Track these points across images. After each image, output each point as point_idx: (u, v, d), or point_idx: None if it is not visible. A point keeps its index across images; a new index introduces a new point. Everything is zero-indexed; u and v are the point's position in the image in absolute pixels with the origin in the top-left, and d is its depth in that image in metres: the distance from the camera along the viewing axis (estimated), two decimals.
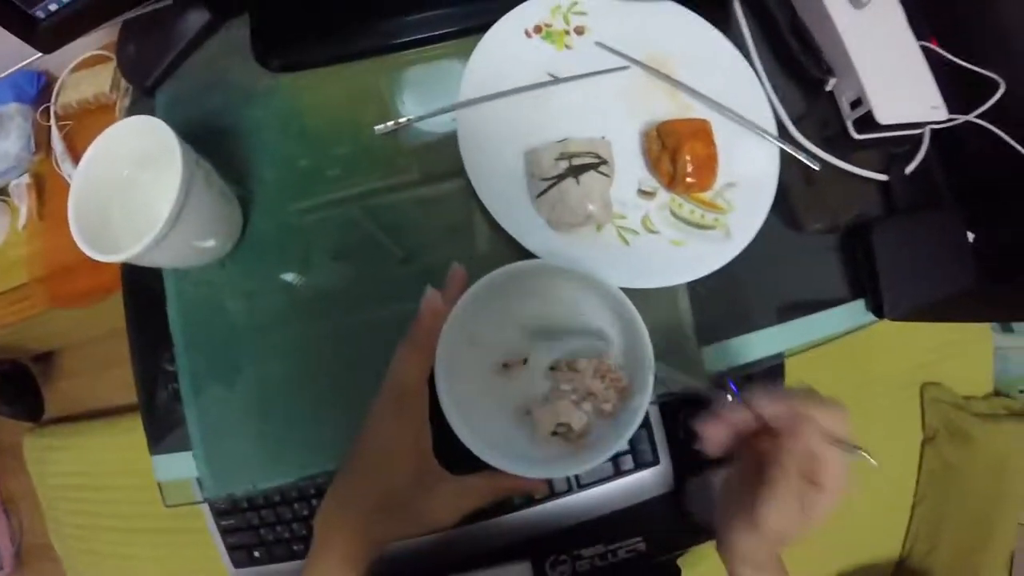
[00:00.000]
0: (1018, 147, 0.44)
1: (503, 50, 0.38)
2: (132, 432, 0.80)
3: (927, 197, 0.49)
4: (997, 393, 0.96)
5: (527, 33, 0.39)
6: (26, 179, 0.61)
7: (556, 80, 0.37)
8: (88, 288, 0.59)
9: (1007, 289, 0.52)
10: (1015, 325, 0.93)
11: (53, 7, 0.35)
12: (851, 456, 0.26)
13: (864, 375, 0.87)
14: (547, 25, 0.39)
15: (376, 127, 0.36)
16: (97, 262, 0.58)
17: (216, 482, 0.39)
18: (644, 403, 0.29)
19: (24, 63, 0.57)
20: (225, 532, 0.44)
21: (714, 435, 0.27)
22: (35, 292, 0.62)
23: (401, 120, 0.36)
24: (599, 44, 0.39)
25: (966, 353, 0.94)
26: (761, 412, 0.26)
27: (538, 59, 0.39)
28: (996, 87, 0.45)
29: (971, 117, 0.45)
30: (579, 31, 0.40)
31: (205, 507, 0.45)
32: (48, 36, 0.36)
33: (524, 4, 0.39)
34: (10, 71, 0.57)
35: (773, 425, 0.26)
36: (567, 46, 0.39)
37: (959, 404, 0.90)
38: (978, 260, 0.47)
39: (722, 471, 0.31)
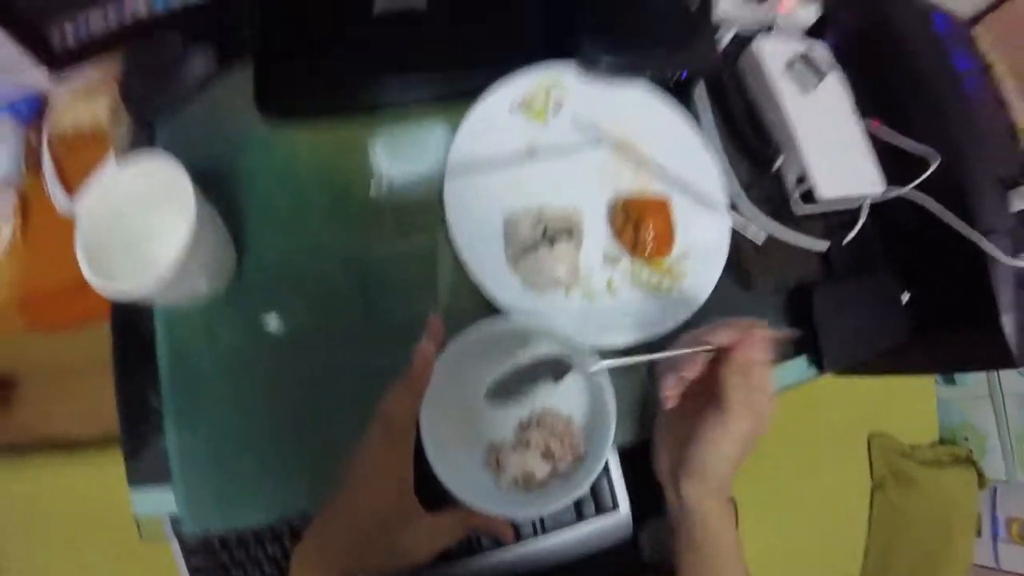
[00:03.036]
0: (949, 215, 0.49)
1: (489, 122, 0.42)
2: (89, 466, 0.76)
3: (865, 261, 0.55)
4: (942, 441, 1.03)
5: (511, 108, 0.44)
6: (14, 198, 0.62)
7: (535, 153, 0.42)
8: (67, 316, 0.59)
9: (938, 343, 0.58)
10: (956, 377, 1.01)
11: (68, 27, 0.36)
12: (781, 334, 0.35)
13: (812, 427, 0.92)
14: (529, 101, 0.44)
15: (372, 185, 0.40)
16: (79, 290, 0.59)
17: (194, 519, 0.39)
18: (596, 469, 0.34)
19: (27, 84, 0.60)
20: (194, 572, 0.43)
21: (673, 391, 0.36)
22: (10, 313, 0.62)
23: (395, 180, 0.40)
24: (575, 121, 0.44)
25: (910, 404, 1.01)
26: (716, 341, 0.34)
27: (520, 132, 0.43)
28: (930, 162, 0.51)
29: (907, 190, 0.51)
30: (557, 108, 0.45)
31: (174, 545, 0.44)
32: (58, 57, 0.37)
33: (510, 79, 0.44)
34: (11, 89, 0.59)
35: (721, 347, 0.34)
36: (546, 121, 0.44)
37: (905, 452, 0.96)
38: (913, 318, 0.53)
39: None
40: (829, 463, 0.93)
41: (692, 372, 0.35)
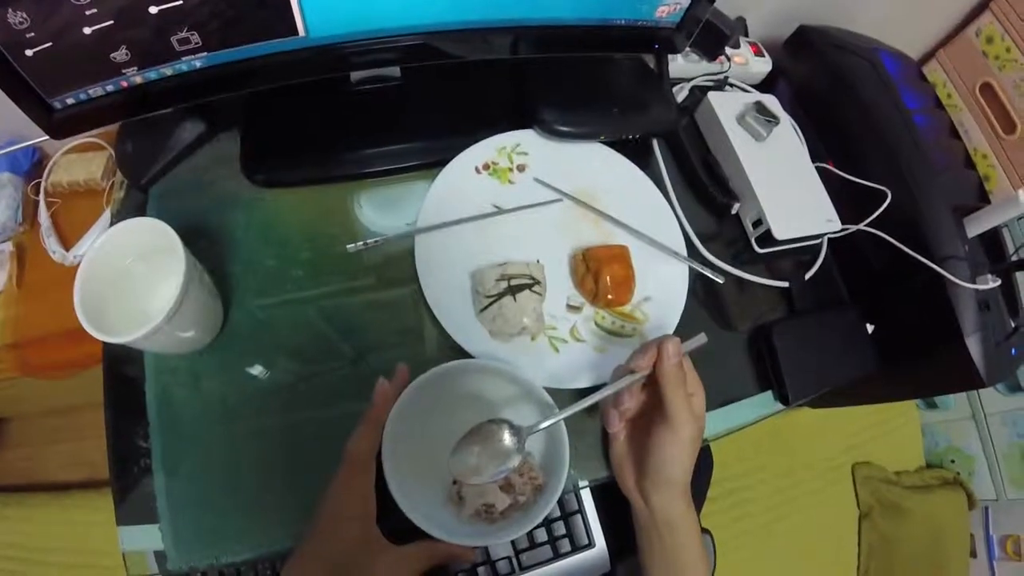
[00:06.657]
0: (902, 248, 0.54)
1: (457, 183, 0.47)
2: (74, 509, 0.81)
3: (828, 297, 0.59)
4: (929, 466, 1.06)
5: (477, 169, 0.49)
6: (9, 247, 0.65)
7: (500, 211, 0.47)
8: (60, 361, 0.62)
9: (908, 370, 0.61)
10: (939, 401, 1.04)
11: (70, 100, 0.39)
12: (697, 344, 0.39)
13: (793, 462, 0.95)
14: (494, 163, 0.49)
15: (348, 245, 0.44)
16: (72, 337, 0.62)
17: (179, 555, 0.42)
18: (554, 498, 0.37)
19: (27, 143, 0.64)
20: None
21: (618, 425, 0.41)
22: (5, 358, 0.65)
23: (370, 241, 0.44)
24: (537, 180, 0.49)
25: (894, 432, 1.05)
26: (640, 367, 0.38)
27: (486, 192, 0.48)
28: (884, 197, 0.55)
29: (862, 226, 0.56)
30: (520, 168, 0.50)
31: None
32: (60, 125, 0.40)
33: (476, 145, 0.49)
34: (12, 148, 0.64)
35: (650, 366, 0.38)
36: (510, 181, 0.49)
37: (890, 480, 0.99)
38: (880, 348, 0.57)
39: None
40: (814, 496, 0.96)
41: (629, 403, 0.39)
